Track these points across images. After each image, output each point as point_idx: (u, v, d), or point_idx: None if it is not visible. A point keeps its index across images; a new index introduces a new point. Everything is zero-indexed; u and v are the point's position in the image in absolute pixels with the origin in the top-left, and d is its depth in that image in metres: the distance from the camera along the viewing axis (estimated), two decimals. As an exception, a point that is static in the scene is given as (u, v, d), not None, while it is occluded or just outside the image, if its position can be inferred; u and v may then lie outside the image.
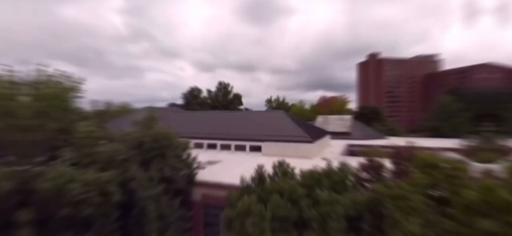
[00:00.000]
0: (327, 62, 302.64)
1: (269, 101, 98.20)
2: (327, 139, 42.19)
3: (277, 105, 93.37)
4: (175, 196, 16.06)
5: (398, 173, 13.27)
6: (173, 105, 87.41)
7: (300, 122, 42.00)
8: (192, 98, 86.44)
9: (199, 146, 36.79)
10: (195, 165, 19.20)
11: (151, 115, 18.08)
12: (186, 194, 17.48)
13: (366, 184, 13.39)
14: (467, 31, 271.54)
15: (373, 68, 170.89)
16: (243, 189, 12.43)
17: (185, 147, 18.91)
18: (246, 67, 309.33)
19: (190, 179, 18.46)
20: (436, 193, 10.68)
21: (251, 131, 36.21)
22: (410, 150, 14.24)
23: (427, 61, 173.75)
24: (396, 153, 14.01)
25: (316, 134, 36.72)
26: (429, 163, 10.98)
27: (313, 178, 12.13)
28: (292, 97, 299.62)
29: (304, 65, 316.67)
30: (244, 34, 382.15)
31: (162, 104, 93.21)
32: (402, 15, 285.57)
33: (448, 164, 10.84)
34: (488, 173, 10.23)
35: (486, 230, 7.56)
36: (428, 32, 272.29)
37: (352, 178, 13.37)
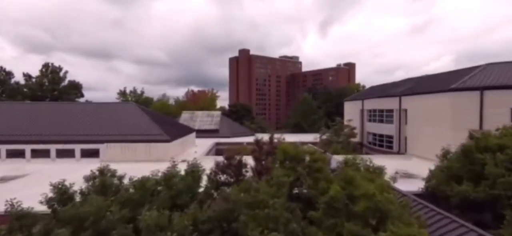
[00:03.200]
0: (200, 57, 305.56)
1: (123, 94, 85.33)
2: (192, 137, 39.83)
3: (135, 100, 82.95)
4: None
5: (260, 172, 12.19)
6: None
7: (159, 117, 37.74)
8: (-3, 84, 64.42)
9: (-9, 154, 26.68)
10: None
11: None
12: None
13: (224, 188, 11.53)
14: (320, 39, 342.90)
15: (244, 64, 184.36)
16: (12, 224, 7.78)
17: None
18: (100, 54, 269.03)
19: None
20: (299, 191, 10.07)
21: (85, 130, 29.04)
22: (272, 144, 13.46)
23: (291, 62, 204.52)
24: (257, 148, 12.89)
25: (177, 132, 33.57)
26: (291, 156, 10.16)
27: (145, 190, 8.97)
28: (161, 92, 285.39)
29: (175, 58, 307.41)
30: (97, 11, 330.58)
31: None
32: (271, 19, 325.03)
33: (309, 155, 10.47)
34: (346, 164, 10.25)
35: (350, 232, 6.76)
36: (292, 37, 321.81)
37: (205, 183, 11.21)
